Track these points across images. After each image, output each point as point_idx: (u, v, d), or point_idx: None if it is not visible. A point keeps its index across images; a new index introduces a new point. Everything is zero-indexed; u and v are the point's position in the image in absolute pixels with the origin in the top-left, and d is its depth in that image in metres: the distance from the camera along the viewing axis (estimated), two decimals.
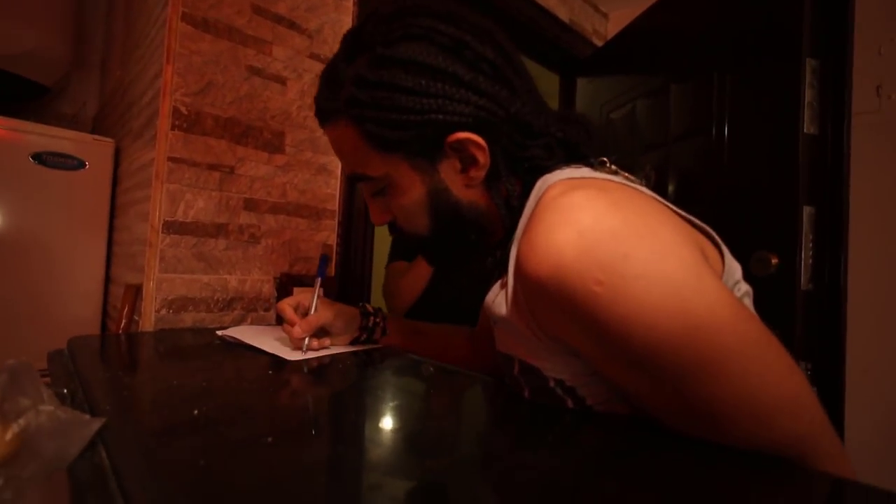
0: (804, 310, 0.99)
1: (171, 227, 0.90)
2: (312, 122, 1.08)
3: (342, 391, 0.59)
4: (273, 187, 1.02)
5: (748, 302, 0.47)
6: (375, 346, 0.77)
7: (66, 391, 0.48)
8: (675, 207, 0.45)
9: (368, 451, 0.37)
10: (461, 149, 0.48)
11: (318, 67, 1.08)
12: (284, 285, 1.03)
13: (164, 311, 0.89)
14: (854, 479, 0.35)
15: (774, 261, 1.01)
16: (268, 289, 1.02)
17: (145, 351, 0.74)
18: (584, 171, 0.47)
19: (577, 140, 0.50)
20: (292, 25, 1.05)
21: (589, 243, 0.35)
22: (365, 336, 0.76)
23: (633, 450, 0.39)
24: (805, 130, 0.99)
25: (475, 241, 0.55)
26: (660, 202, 0.44)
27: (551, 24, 1.72)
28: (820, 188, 1.00)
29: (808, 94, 1.00)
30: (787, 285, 0.99)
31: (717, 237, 0.45)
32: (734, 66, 1.14)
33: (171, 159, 0.89)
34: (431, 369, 0.65)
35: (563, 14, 1.78)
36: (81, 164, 1.22)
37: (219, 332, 0.78)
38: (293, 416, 0.47)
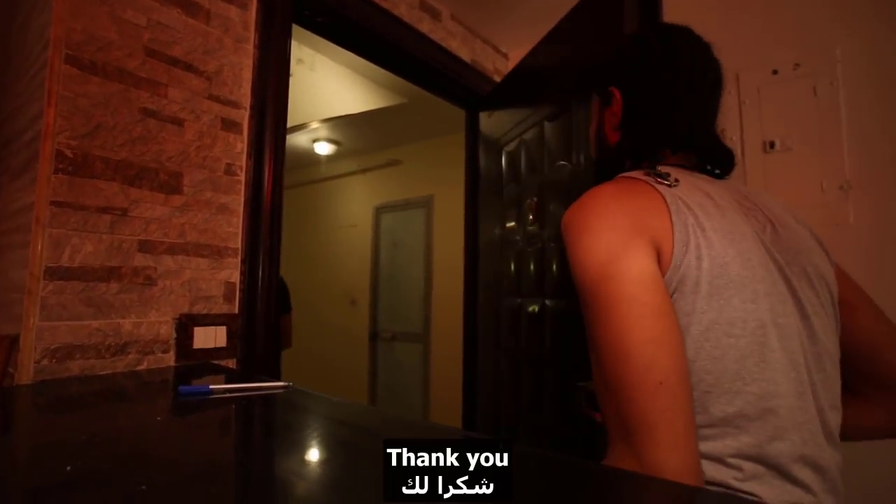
0: None
1: (54, 274, 0.86)
2: (212, 163, 1.09)
3: (232, 437, 0.61)
4: (170, 228, 1.02)
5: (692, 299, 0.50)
6: None
7: None
8: (710, 217, 0.53)
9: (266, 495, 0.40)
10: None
11: (218, 109, 1.10)
12: (185, 326, 1.02)
13: (45, 362, 0.85)
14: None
15: None
16: (166, 330, 1.00)
17: (20, 406, 0.71)
18: (637, 173, 0.60)
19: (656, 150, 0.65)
20: (189, 68, 1.06)
21: (576, 208, 0.55)
22: None
23: None
24: None
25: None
26: (662, 203, 0.53)
27: (455, 64, 1.86)
28: None
29: None
30: None
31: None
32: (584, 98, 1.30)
33: (54, 203, 0.87)
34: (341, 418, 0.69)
35: (465, 55, 1.92)
36: None
37: None
38: (177, 464, 0.48)
